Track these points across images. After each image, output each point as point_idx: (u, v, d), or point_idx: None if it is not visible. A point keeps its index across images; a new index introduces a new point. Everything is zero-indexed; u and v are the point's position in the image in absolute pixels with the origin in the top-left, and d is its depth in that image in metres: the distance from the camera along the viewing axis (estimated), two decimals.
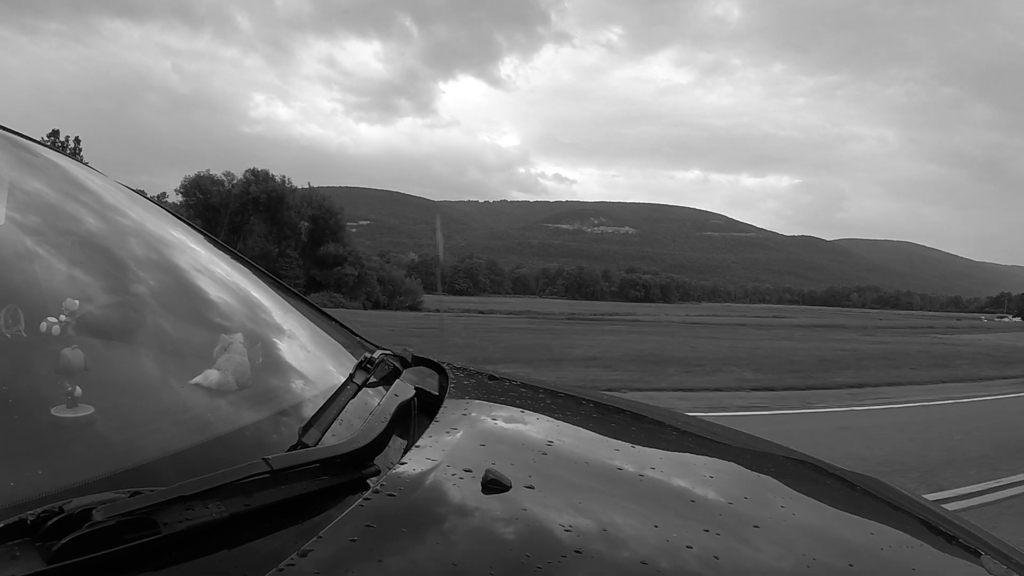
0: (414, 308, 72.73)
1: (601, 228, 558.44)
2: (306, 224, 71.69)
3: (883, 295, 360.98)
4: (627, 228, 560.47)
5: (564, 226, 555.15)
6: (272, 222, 70.04)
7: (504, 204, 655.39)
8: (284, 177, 74.24)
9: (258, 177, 70.85)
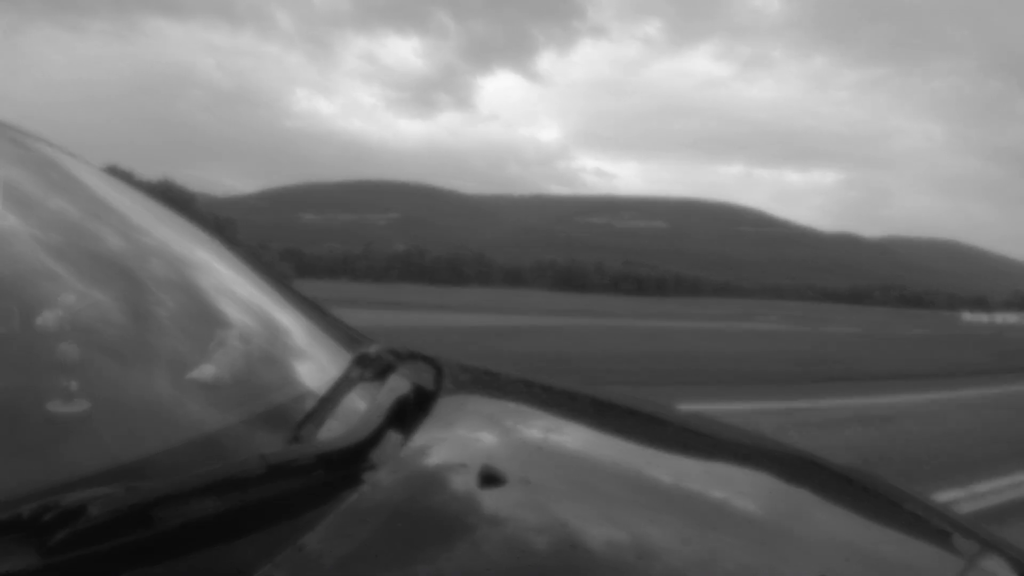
0: None
1: (632, 222, 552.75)
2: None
3: (905, 293, 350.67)
4: (658, 222, 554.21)
5: (594, 220, 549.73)
6: None
7: (538, 198, 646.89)
8: (131, 170, 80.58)
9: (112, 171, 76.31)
